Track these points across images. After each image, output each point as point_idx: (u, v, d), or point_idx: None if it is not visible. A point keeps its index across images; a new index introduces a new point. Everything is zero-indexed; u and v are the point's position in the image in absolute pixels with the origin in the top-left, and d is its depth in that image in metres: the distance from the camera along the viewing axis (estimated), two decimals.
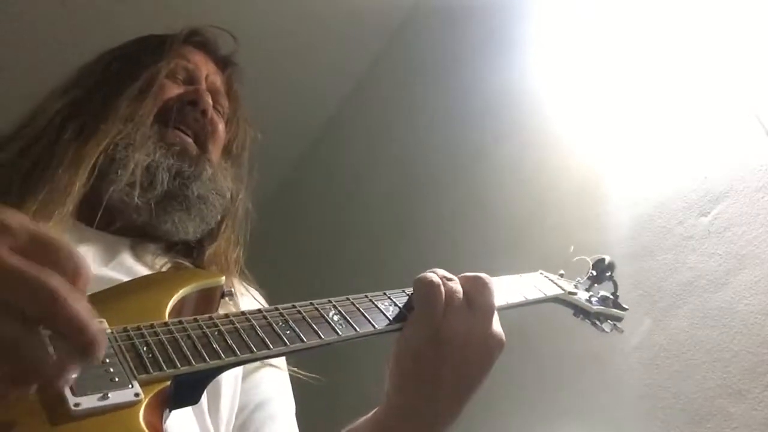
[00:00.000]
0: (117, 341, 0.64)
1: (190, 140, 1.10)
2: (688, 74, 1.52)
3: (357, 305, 0.80)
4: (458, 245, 1.98)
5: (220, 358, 0.66)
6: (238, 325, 0.70)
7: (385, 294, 0.83)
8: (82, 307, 0.50)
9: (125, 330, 0.65)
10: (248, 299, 1.04)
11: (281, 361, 1.03)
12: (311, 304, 0.77)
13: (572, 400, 1.51)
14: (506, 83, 2.01)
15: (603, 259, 1.12)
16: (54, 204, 0.94)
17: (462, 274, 0.83)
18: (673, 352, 1.36)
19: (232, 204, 1.15)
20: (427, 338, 0.78)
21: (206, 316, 0.71)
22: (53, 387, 0.52)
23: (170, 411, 0.64)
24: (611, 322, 1.07)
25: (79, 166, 0.98)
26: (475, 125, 2.08)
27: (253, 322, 0.71)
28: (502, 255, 1.80)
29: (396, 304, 0.82)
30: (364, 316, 0.78)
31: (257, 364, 0.97)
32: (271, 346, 0.69)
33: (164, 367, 0.62)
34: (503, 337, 0.82)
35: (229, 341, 0.68)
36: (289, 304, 0.76)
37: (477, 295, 0.81)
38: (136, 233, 1.04)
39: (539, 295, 0.99)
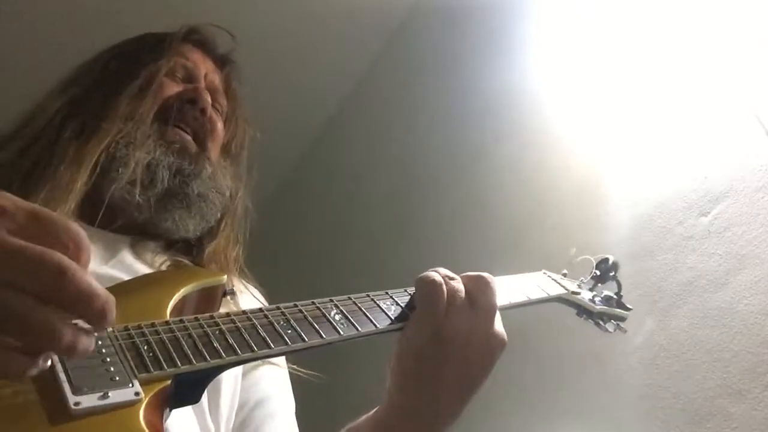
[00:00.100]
0: (118, 340, 0.64)
1: (189, 138, 1.10)
2: (688, 74, 1.52)
3: (359, 304, 0.80)
4: (458, 245, 1.98)
5: (220, 357, 0.66)
6: (239, 324, 0.70)
7: (387, 293, 0.83)
8: (88, 278, 0.51)
9: (126, 329, 0.65)
10: (247, 297, 1.05)
11: (281, 359, 1.03)
12: (313, 303, 0.77)
13: (572, 400, 1.51)
14: (506, 83, 2.01)
15: (607, 259, 1.11)
16: (55, 202, 0.94)
17: (464, 274, 0.83)
18: (673, 352, 1.36)
19: (231, 202, 1.16)
20: (429, 337, 0.78)
21: (207, 315, 0.70)
22: (71, 355, 0.52)
23: (171, 410, 0.64)
24: (615, 322, 1.07)
25: (80, 165, 0.98)
26: (475, 125, 2.08)
27: (255, 321, 0.71)
28: (502, 255, 1.80)
29: (398, 304, 0.82)
30: (366, 316, 0.78)
31: (257, 361, 0.97)
32: (273, 346, 0.69)
33: (165, 366, 0.62)
34: (505, 336, 0.82)
35: (230, 340, 0.68)
36: (291, 303, 0.76)
37: (479, 294, 0.80)
38: (136, 231, 1.04)
39: (542, 295, 0.98)
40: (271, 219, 2.42)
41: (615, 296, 1.10)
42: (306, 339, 0.72)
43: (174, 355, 0.64)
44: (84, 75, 1.14)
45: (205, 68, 1.19)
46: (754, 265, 1.28)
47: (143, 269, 0.96)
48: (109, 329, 0.64)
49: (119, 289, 0.77)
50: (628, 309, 1.09)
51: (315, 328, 0.73)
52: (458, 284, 0.81)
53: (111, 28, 1.24)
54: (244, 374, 0.97)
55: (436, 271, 0.81)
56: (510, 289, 0.93)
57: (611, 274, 1.11)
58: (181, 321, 0.68)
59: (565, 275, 1.09)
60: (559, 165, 1.76)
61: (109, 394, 0.58)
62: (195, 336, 0.67)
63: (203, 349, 0.65)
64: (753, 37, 1.41)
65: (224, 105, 1.20)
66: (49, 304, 0.50)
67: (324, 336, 0.73)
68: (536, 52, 1.95)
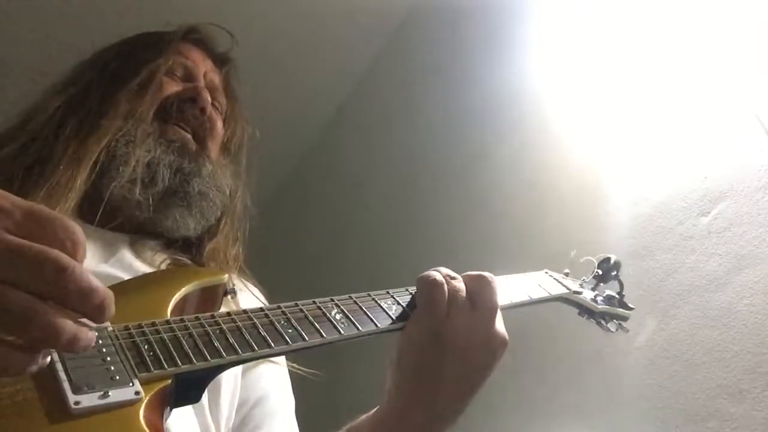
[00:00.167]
0: (118, 339, 0.64)
1: (189, 137, 1.10)
2: (688, 74, 1.52)
3: (360, 304, 0.80)
4: (458, 245, 1.97)
5: (221, 356, 0.66)
6: (240, 324, 0.70)
7: (388, 293, 0.83)
8: (87, 274, 0.52)
9: (126, 328, 0.65)
10: (247, 295, 1.05)
11: (280, 358, 1.03)
12: (314, 302, 0.77)
13: (572, 400, 1.51)
14: (506, 83, 2.01)
15: (608, 258, 1.11)
16: (55, 200, 0.94)
17: (465, 273, 0.83)
18: (673, 352, 1.36)
19: (230, 201, 1.16)
20: (430, 337, 0.78)
21: (208, 314, 0.70)
22: (72, 350, 0.53)
23: (171, 409, 0.64)
24: (617, 322, 1.07)
25: (80, 163, 0.98)
26: (475, 125, 2.08)
27: (255, 320, 0.71)
28: (502, 255, 1.80)
29: (399, 303, 0.82)
30: (367, 315, 0.78)
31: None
32: (273, 345, 0.69)
33: (165, 365, 0.62)
34: (506, 336, 0.82)
35: (231, 340, 0.68)
36: (292, 303, 0.76)
37: (480, 293, 0.80)
38: (136, 230, 1.04)
39: (544, 294, 0.98)
40: (271, 219, 2.42)
41: (617, 296, 1.10)
42: (307, 338, 0.72)
43: (174, 354, 0.64)
44: (83, 73, 1.14)
45: (204, 67, 1.19)
46: (754, 265, 1.28)
47: (143, 268, 0.96)
48: (110, 328, 0.64)
49: (120, 288, 0.77)
50: (630, 308, 1.09)
51: (316, 328, 0.73)
52: (459, 284, 0.81)
53: (111, 28, 1.24)
54: (244, 372, 0.97)
55: (437, 271, 0.81)
56: (511, 288, 0.93)
57: (613, 273, 1.11)
58: (182, 320, 0.68)
59: (567, 275, 1.09)
60: (559, 165, 1.76)
61: (110, 393, 0.58)
62: (196, 335, 0.67)
63: (204, 349, 0.65)
64: (753, 37, 1.41)
65: (223, 104, 1.20)
66: (48, 301, 0.50)
67: (325, 335, 0.73)
68: (536, 52, 1.95)
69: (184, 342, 0.65)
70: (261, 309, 0.74)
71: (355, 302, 0.80)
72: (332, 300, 0.79)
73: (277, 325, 0.71)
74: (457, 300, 0.79)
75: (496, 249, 1.84)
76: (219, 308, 0.84)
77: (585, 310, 1.06)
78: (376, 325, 0.78)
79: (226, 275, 0.86)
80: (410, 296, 0.84)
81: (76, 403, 0.56)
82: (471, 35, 2.19)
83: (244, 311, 0.72)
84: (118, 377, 0.60)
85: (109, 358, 0.61)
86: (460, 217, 2.02)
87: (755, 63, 1.39)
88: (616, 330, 1.06)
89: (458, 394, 0.81)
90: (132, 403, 0.59)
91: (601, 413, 1.46)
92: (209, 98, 1.13)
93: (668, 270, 1.42)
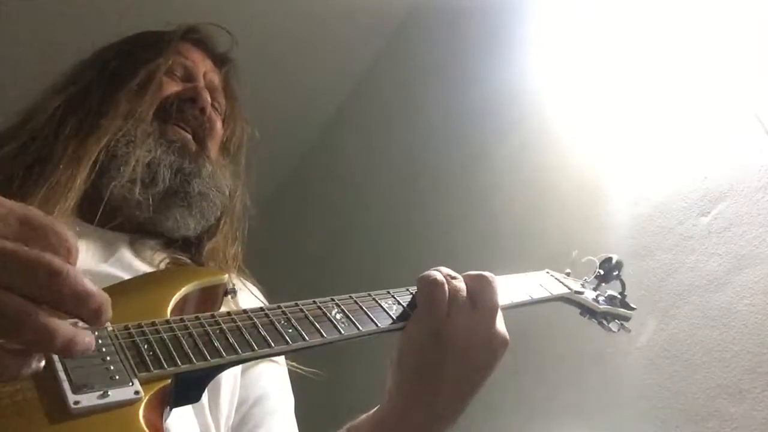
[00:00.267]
0: (118, 339, 0.63)
1: (189, 137, 1.10)
2: (688, 74, 1.52)
3: (360, 303, 0.80)
4: (458, 245, 1.97)
5: (221, 356, 0.65)
6: (240, 323, 0.70)
7: (389, 293, 0.83)
8: (83, 278, 0.52)
9: (126, 328, 0.65)
10: (246, 294, 1.05)
11: (280, 357, 1.03)
12: (314, 302, 0.77)
13: (572, 399, 1.51)
14: (506, 83, 2.01)
15: (610, 258, 1.11)
16: (55, 200, 0.94)
17: (466, 273, 0.83)
18: (673, 352, 1.36)
19: (230, 201, 1.16)
20: (430, 337, 0.78)
21: (208, 314, 0.70)
22: (69, 354, 0.53)
23: (171, 409, 0.64)
24: (618, 322, 1.07)
25: (80, 162, 0.98)
26: (475, 125, 2.08)
27: (255, 320, 0.71)
28: (502, 255, 1.80)
29: (400, 303, 0.82)
30: (367, 315, 0.78)
31: None
32: (273, 345, 0.69)
33: (165, 365, 0.62)
34: (507, 336, 0.81)
35: (231, 339, 0.68)
36: (292, 303, 0.76)
37: (481, 293, 0.80)
38: (135, 229, 1.04)
39: (545, 294, 0.98)
40: (271, 219, 2.42)
41: (619, 296, 1.09)
42: (307, 338, 0.72)
43: (174, 354, 0.64)
44: (83, 73, 1.14)
45: (204, 67, 1.19)
46: (754, 265, 1.28)
47: (143, 267, 0.96)
48: (110, 328, 0.64)
49: (120, 288, 0.77)
50: (632, 308, 1.09)
51: (316, 327, 0.73)
52: (460, 283, 0.81)
53: (111, 28, 1.24)
54: (244, 372, 0.97)
55: (438, 270, 0.81)
56: (512, 288, 0.93)
57: (615, 273, 1.11)
58: (182, 320, 0.68)
59: (568, 274, 1.09)
60: (559, 165, 1.76)
61: (109, 392, 0.58)
62: (195, 335, 0.67)
63: (204, 348, 0.65)
64: (753, 37, 1.41)
65: (223, 104, 1.20)
66: (43, 305, 0.50)
67: (325, 335, 0.73)
68: (536, 52, 1.95)
69: (183, 342, 0.65)
70: (261, 309, 0.73)
71: (355, 302, 0.80)
72: (332, 300, 0.79)
73: (277, 325, 0.71)
74: (457, 300, 0.79)
75: (496, 249, 1.84)
76: (219, 308, 0.84)
77: (587, 310, 1.06)
78: (377, 325, 0.78)
79: (226, 275, 0.86)
80: (411, 296, 0.83)
81: (76, 402, 0.56)
82: (471, 35, 2.19)
83: (244, 311, 0.72)
84: (117, 377, 0.59)
85: (108, 358, 0.61)
86: (460, 217, 2.02)
87: (755, 63, 1.39)
88: (618, 330, 1.06)
89: (459, 394, 0.80)
90: (131, 403, 0.59)
91: (601, 413, 1.46)
92: (209, 98, 1.13)
93: (668, 270, 1.42)
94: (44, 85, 1.13)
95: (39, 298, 0.50)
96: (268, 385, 0.99)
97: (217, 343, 0.66)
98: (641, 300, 1.42)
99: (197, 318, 0.69)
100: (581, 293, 1.05)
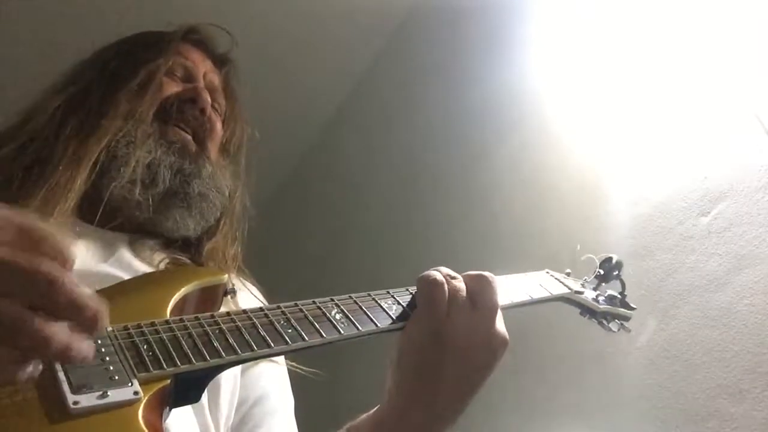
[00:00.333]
0: (117, 339, 0.63)
1: (189, 138, 1.10)
2: (688, 74, 1.52)
3: (360, 303, 0.80)
4: (458, 245, 1.97)
5: (220, 356, 0.65)
6: (239, 324, 0.70)
7: (388, 293, 0.83)
8: (79, 286, 0.52)
9: (126, 328, 0.65)
10: (245, 294, 1.05)
11: (280, 357, 1.03)
12: (314, 302, 0.77)
13: (572, 399, 1.51)
14: (506, 83, 2.01)
15: (610, 258, 1.11)
16: (55, 200, 0.94)
17: (466, 273, 0.83)
18: (673, 352, 1.36)
19: (230, 201, 1.16)
20: (430, 337, 0.78)
21: (208, 314, 0.70)
22: (67, 360, 0.53)
23: (170, 410, 0.64)
24: (618, 322, 1.07)
25: (80, 163, 0.98)
26: (475, 125, 2.08)
27: (255, 320, 0.71)
28: (502, 255, 1.80)
29: (399, 303, 0.82)
30: (367, 315, 0.78)
31: None
32: (273, 345, 0.69)
33: (164, 365, 0.62)
34: (507, 336, 0.81)
35: (230, 340, 0.68)
36: (292, 303, 0.76)
37: (481, 293, 0.80)
38: (135, 230, 1.04)
39: (545, 294, 0.98)
40: (271, 219, 2.42)
41: (619, 295, 1.09)
42: (306, 338, 0.72)
43: (174, 354, 0.64)
44: (83, 73, 1.14)
45: (204, 68, 1.19)
46: (754, 265, 1.28)
47: (142, 267, 0.96)
48: (109, 329, 0.64)
49: (119, 288, 0.77)
50: (632, 308, 1.08)
51: (315, 328, 0.73)
52: (460, 283, 0.81)
53: (111, 28, 1.24)
54: (244, 372, 0.97)
55: (437, 270, 0.81)
56: (512, 288, 0.93)
57: (615, 273, 1.11)
58: (181, 320, 0.68)
59: (568, 274, 1.09)
60: (559, 165, 1.76)
61: (108, 393, 0.58)
62: (195, 335, 0.67)
63: (203, 349, 0.65)
64: (753, 37, 1.41)
65: (223, 104, 1.20)
66: (40, 312, 0.51)
67: (324, 335, 0.73)
68: (536, 52, 1.95)
69: (183, 342, 0.65)
70: (260, 309, 0.73)
71: (355, 302, 0.80)
72: (332, 300, 0.79)
73: (277, 325, 0.71)
74: (457, 300, 0.79)
75: (496, 249, 1.84)
76: (219, 308, 0.84)
77: (587, 310, 1.06)
78: (376, 325, 0.78)
79: (226, 275, 0.86)
80: (410, 296, 0.83)
81: (75, 403, 0.56)
82: (471, 35, 2.18)
83: (244, 311, 0.72)
84: (117, 377, 0.59)
85: (108, 358, 0.61)
86: (460, 217, 2.02)
87: (755, 63, 1.39)
88: (618, 330, 1.06)
89: (458, 394, 0.80)
90: (131, 403, 0.59)
91: (601, 413, 1.46)
92: (209, 99, 1.13)
93: (668, 270, 1.42)
94: (44, 85, 1.13)
95: (36, 306, 0.50)
96: (268, 385, 0.99)
97: (216, 344, 0.66)
98: (641, 300, 1.42)
99: (197, 318, 0.69)
100: (581, 293, 1.05)
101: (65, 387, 0.57)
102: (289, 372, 1.06)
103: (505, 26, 2.06)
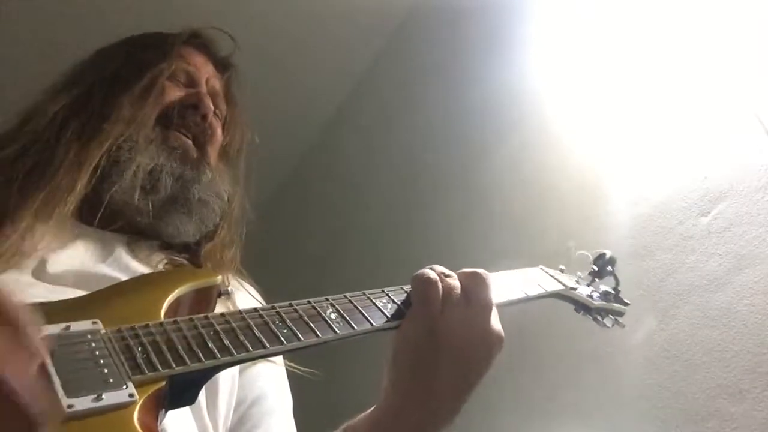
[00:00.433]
0: (111, 342, 0.63)
1: (191, 143, 1.10)
2: (688, 74, 1.52)
3: (355, 303, 0.79)
4: (458, 245, 1.97)
5: (215, 357, 0.65)
6: (234, 324, 0.70)
7: (383, 291, 0.83)
8: (27, 386, 0.49)
9: (119, 330, 0.65)
10: (243, 294, 1.04)
11: (277, 357, 1.03)
12: (309, 302, 0.77)
13: (572, 399, 1.51)
14: (506, 83, 2.00)
15: (604, 254, 1.11)
16: (54, 203, 0.94)
17: (460, 270, 0.83)
18: (673, 352, 1.36)
19: (228, 206, 1.15)
20: (425, 335, 0.78)
21: (202, 315, 0.70)
22: None
23: (166, 411, 0.64)
24: (613, 317, 1.07)
25: (81, 167, 0.98)
26: (475, 125, 2.08)
27: (249, 321, 0.71)
28: (502, 255, 1.80)
29: (394, 302, 0.82)
30: (362, 314, 0.78)
31: None
32: (268, 345, 0.69)
33: (159, 367, 0.62)
34: (502, 333, 0.81)
35: (225, 341, 0.67)
36: (286, 303, 0.76)
37: (475, 291, 0.80)
38: (135, 232, 1.04)
39: (540, 291, 0.98)
40: (271, 219, 2.42)
41: (613, 291, 1.10)
42: (302, 338, 0.71)
43: (168, 356, 0.63)
44: (84, 74, 1.13)
45: (206, 72, 1.18)
46: (754, 265, 1.28)
47: (140, 268, 0.96)
48: (103, 331, 0.64)
49: (114, 290, 0.77)
50: (626, 304, 1.09)
51: (311, 327, 0.73)
52: (454, 281, 0.80)
53: (111, 28, 1.23)
54: (242, 372, 0.97)
55: (431, 269, 0.81)
56: (507, 285, 0.93)
57: (608, 269, 1.11)
58: (176, 322, 0.68)
59: (562, 271, 1.09)
60: (559, 165, 1.76)
61: (103, 396, 0.57)
62: (189, 337, 0.66)
63: (198, 350, 0.65)
64: (753, 37, 1.40)
65: (224, 110, 1.20)
66: None
67: (320, 335, 0.73)
68: (536, 51, 1.95)
69: (177, 343, 0.65)
70: (255, 310, 0.73)
71: (350, 301, 0.79)
72: (327, 299, 0.78)
73: (272, 326, 0.71)
74: (451, 297, 0.79)
75: (496, 249, 1.84)
76: (213, 309, 0.83)
77: (581, 306, 1.06)
78: (372, 324, 0.78)
79: (220, 276, 0.85)
80: (405, 294, 0.83)
81: (70, 406, 0.56)
82: (471, 35, 2.18)
83: (239, 312, 0.72)
84: (111, 380, 0.59)
85: (102, 361, 0.60)
86: (460, 217, 2.02)
87: (755, 63, 1.39)
88: (612, 325, 1.06)
89: (455, 392, 0.80)
90: (126, 406, 0.58)
91: (600, 413, 1.46)
92: (212, 106, 1.13)
93: (668, 270, 1.42)
94: (44, 85, 1.12)
95: None
96: (266, 385, 0.99)
97: (211, 345, 0.66)
98: (641, 300, 1.42)
99: (191, 320, 0.69)
100: (575, 289, 1.05)
101: (59, 390, 0.57)
102: (288, 372, 1.05)
103: (505, 26, 2.06)
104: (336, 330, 0.74)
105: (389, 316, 0.80)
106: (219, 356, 0.65)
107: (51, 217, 0.93)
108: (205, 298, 0.82)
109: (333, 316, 0.76)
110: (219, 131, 1.16)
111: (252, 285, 1.11)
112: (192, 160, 1.09)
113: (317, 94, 2.72)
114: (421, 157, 2.27)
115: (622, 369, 1.44)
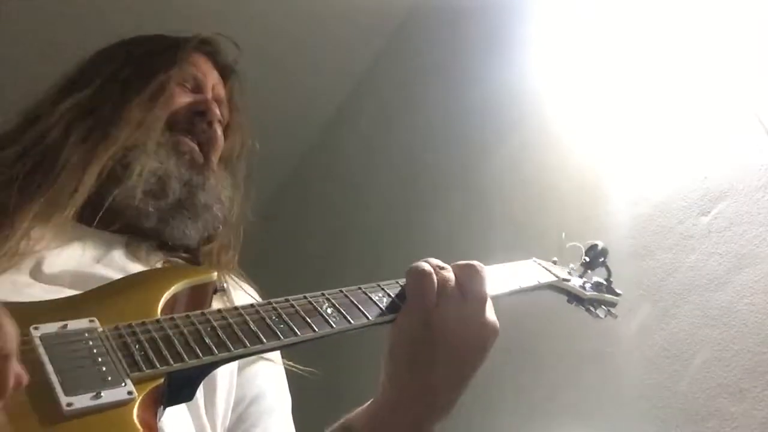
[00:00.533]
0: (109, 340, 0.63)
1: (197, 149, 1.10)
2: (688, 74, 1.52)
3: (351, 297, 0.80)
4: (458, 245, 1.97)
5: (212, 353, 0.65)
6: (230, 321, 0.70)
7: (378, 285, 0.83)
8: None
9: (116, 328, 0.65)
10: (241, 293, 1.04)
11: (276, 356, 1.03)
12: (305, 297, 0.77)
13: (572, 399, 1.51)
14: (506, 83, 2.00)
15: (596, 245, 1.12)
16: (55, 206, 0.94)
17: (455, 263, 0.83)
18: (673, 351, 1.36)
19: (228, 210, 1.16)
20: (421, 327, 0.78)
21: (198, 312, 0.70)
22: None
23: (165, 408, 0.64)
24: (605, 308, 1.07)
25: (85, 170, 0.98)
26: (475, 125, 2.08)
27: (246, 316, 0.71)
28: (502, 255, 1.79)
29: (389, 295, 0.82)
30: (358, 308, 0.78)
31: (252, 357, 0.97)
32: (264, 340, 0.69)
33: (157, 364, 0.62)
34: (497, 325, 0.81)
35: (222, 337, 0.67)
36: (282, 299, 0.76)
37: (470, 282, 0.80)
38: (134, 232, 1.04)
39: (533, 283, 0.99)
40: (271, 219, 2.42)
41: (605, 282, 1.10)
42: (298, 333, 0.71)
43: (166, 353, 0.63)
44: (91, 76, 1.12)
45: (212, 79, 1.18)
46: (754, 265, 1.28)
47: (137, 268, 0.95)
48: (100, 329, 0.64)
49: (110, 287, 0.77)
50: (618, 294, 1.09)
51: (307, 322, 0.73)
52: (449, 273, 0.81)
53: (111, 28, 1.23)
54: (240, 371, 0.97)
55: (426, 261, 0.81)
56: (501, 277, 0.93)
57: (600, 260, 1.12)
58: (172, 319, 0.68)
59: (555, 262, 1.09)
60: (559, 165, 1.76)
61: (102, 393, 0.58)
62: (186, 333, 0.66)
63: (195, 346, 0.65)
64: (753, 37, 1.40)
65: (227, 116, 1.20)
66: None
67: (316, 330, 0.73)
68: (536, 51, 1.95)
69: (175, 340, 0.65)
70: (251, 305, 0.73)
71: (346, 296, 0.79)
72: (323, 294, 0.78)
73: (268, 321, 0.71)
74: (446, 289, 0.79)
75: (495, 249, 1.83)
76: (209, 306, 0.83)
77: (574, 297, 1.06)
78: (368, 318, 0.78)
79: (215, 273, 0.85)
80: (400, 288, 0.83)
81: (69, 404, 0.56)
82: (471, 35, 2.18)
83: (235, 308, 0.72)
84: (110, 378, 0.59)
85: (100, 359, 0.61)
86: (460, 217, 2.02)
87: (755, 63, 1.39)
88: (605, 316, 1.07)
89: (451, 384, 0.80)
90: (125, 403, 0.58)
91: (600, 413, 1.45)
92: (218, 113, 1.14)
93: (668, 269, 1.42)
94: (44, 85, 1.12)
95: None
96: (265, 384, 0.99)
97: (208, 341, 0.66)
98: (641, 300, 1.42)
99: (187, 317, 0.69)
100: (568, 281, 1.06)
101: (58, 388, 0.57)
102: (286, 371, 1.05)
103: (505, 26, 2.06)
104: (332, 324, 0.74)
105: (385, 309, 0.80)
106: (216, 352, 0.65)
107: (51, 218, 0.93)
108: (201, 294, 0.82)
109: (329, 310, 0.76)
110: (222, 138, 1.17)
111: (250, 284, 1.11)
112: (198, 166, 1.09)
113: (317, 94, 2.73)
114: (421, 157, 2.27)
115: (622, 369, 1.44)
